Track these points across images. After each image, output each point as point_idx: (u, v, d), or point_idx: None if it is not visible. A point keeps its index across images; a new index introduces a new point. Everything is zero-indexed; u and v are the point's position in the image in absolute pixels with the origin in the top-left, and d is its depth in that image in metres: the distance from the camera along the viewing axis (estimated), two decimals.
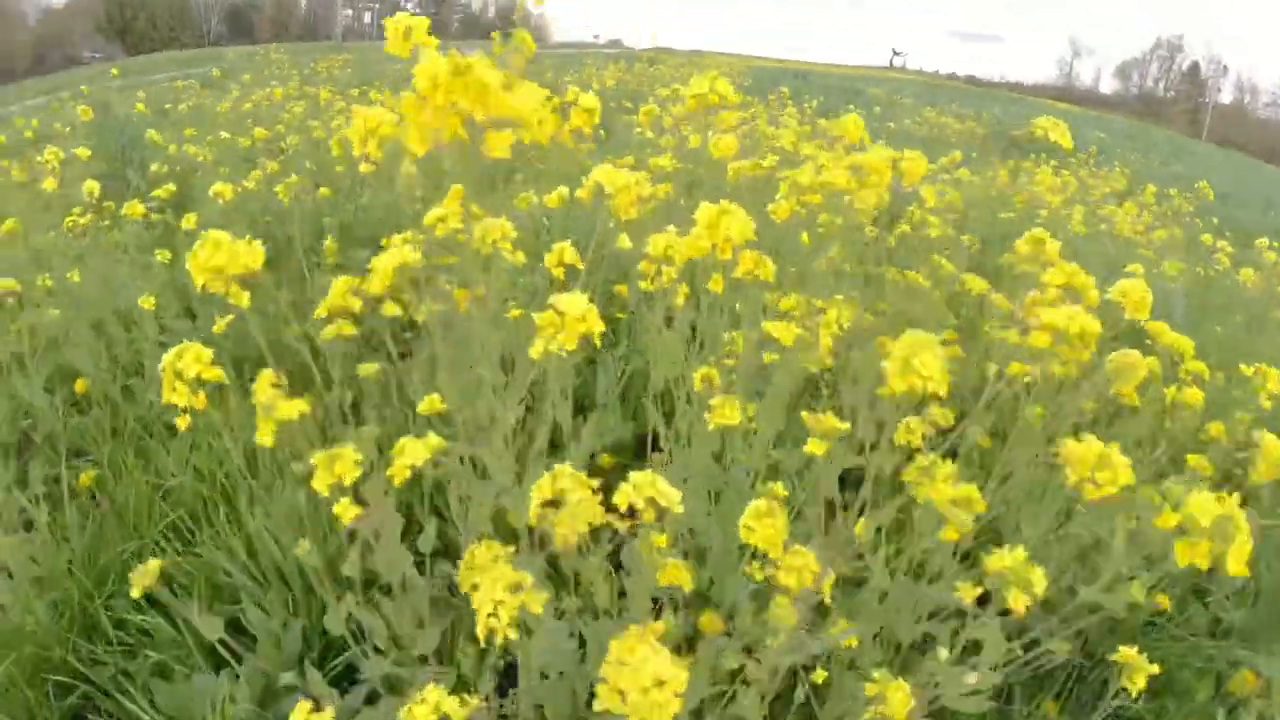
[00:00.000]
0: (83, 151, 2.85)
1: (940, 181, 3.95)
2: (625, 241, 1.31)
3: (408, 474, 0.91)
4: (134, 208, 2.43)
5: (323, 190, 3.82)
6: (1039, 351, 0.98)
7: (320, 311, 1.08)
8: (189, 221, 2.44)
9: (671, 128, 3.32)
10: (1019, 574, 0.89)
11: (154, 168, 2.84)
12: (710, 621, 1.59)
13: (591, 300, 0.85)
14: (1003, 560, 0.90)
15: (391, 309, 1.01)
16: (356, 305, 1.05)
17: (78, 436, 2.51)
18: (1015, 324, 1.76)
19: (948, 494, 0.94)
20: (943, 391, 0.81)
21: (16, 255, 2.85)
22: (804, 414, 1.05)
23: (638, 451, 2.46)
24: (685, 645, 1.55)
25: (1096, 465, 0.91)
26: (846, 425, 1.07)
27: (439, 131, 0.75)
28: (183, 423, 1.00)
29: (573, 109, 1.13)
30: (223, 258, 0.89)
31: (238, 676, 1.65)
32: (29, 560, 1.90)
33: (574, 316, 0.85)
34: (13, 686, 1.68)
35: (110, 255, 2.63)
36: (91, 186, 2.55)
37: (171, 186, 2.64)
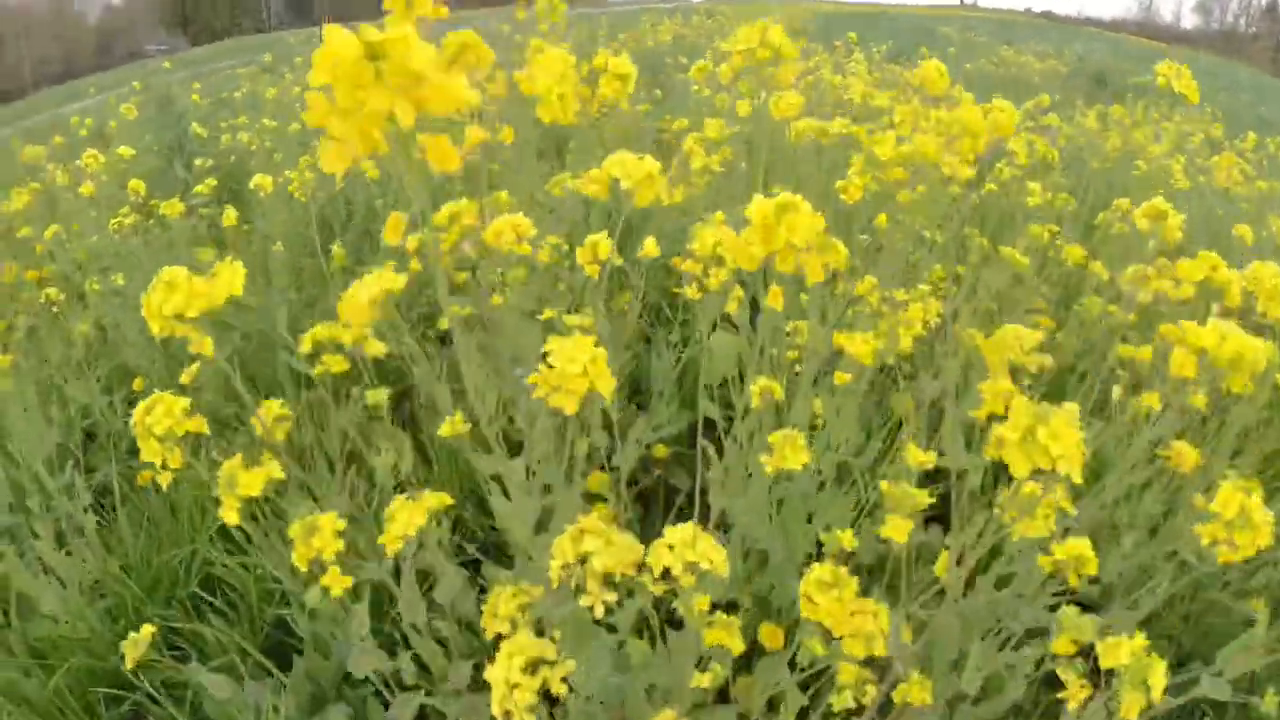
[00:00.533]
0: (125, 150, 2.82)
1: (1027, 128, 3.61)
2: (653, 248, 1.15)
3: (400, 545, 0.80)
4: (173, 206, 2.39)
5: (371, 173, 3.74)
6: (1179, 382, 0.79)
7: (305, 346, 0.96)
8: (229, 218, 2.38)
9: (729, 85, 3.08)
10: (1137, 672, 0.72)
11: (198, 162, 2.80)
12: (770, 634, 1.45)
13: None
14: (1118, 654, 0.73)
15: (375, 347, 0.88)
16: (347, 338, 0.92)
17: (135, 441, 2.51)
18: (1122, 301, 1.53)
19: (1056, 552, 0.77)
20: (1076, 476, 0.63)
21: (74, 255, 2.87)
22: (883, 485, 0.89)
23: (694, 440, 2.32)
24: (743, 663, 1.41)
25: (1236, 522, 0.73)
26: (932, 458, 0.90)
27: (366, 142, 0.52)
28: (165, 480, 0.90)
29: (602, 77, 0.97)
30: (180, 300, 0.76)
31: (283, 686, 1.61)
32: (81, 565, 1.89)
33: (573, 374, 0.66)
34: (60, 698, 1.67)
35: (159, 254, 2.60)
36: (136, 185, 2.52)
37: (213, 181, 2.59)
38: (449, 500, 0.83)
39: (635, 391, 2.59)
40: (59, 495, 1.89)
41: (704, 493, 1.31)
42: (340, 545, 0.79)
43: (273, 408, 0.95)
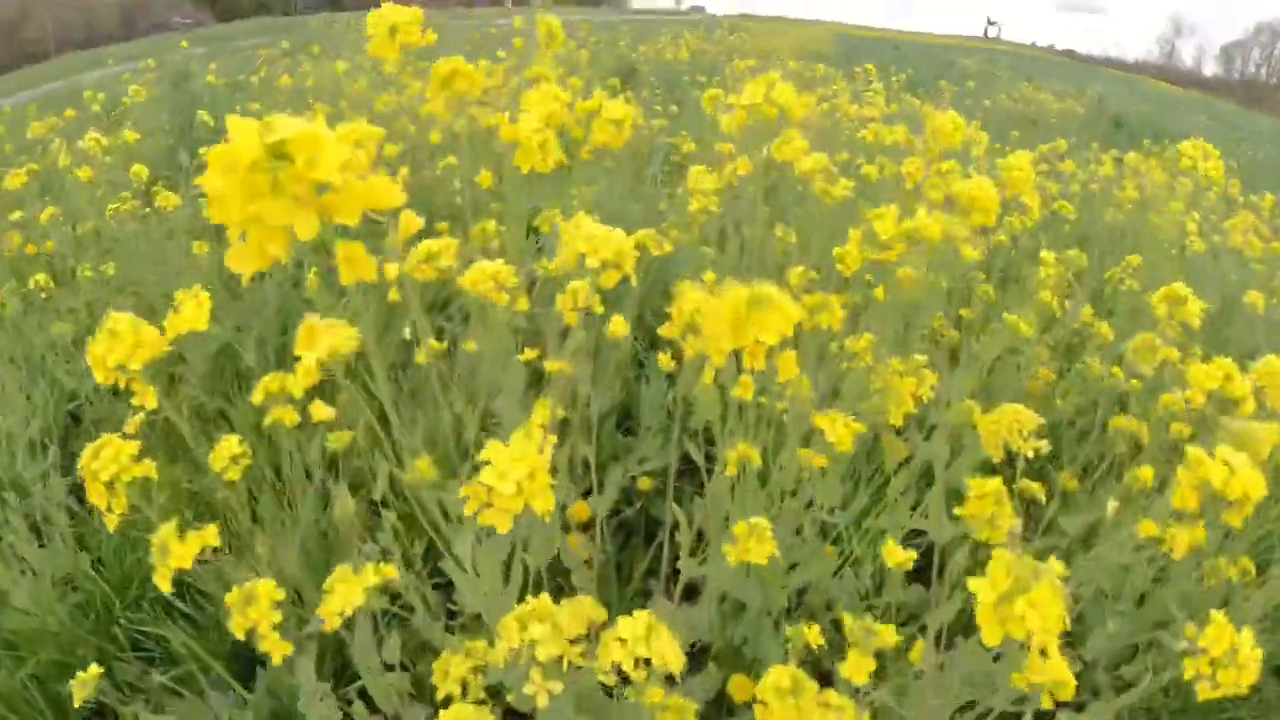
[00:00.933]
0: (130, 135, 2.80)
1: (1042, 172, 3.59)
2: (621, 327, 1.11)
3: (338, 621, 0.77)
4: (168, 199, 2.36)
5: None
6: (1184, 513, 0.76)
7: (257, 397, 0.93)
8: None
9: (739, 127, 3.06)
10: None
11: (201, 151, 2.78)
12: (740, 686, 1.42)
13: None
14: None
15: (321, 412, 0.86)
16: (298, 389, 0.90)
17: (120, 425, 2.49)
18: (1124, 365, 1.50)
19: (1036, 670, 0.73)
20: (1053, 650, 0.60)
21: (82, 238, 2.85)
22: (845, 617, 0.85)
23: (681, 471, 2.29)
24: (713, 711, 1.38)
25: (1222, 660, 0.70)
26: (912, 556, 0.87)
27: (262, 257, 0.44)
28: (111, 523, 0.87)
29: (595, 121, 0.94)
30: (122, 351, 0.72)
31: (244, 701, 1.58)
32: (54, 558, 1.87)
33: (506, 494, 0.60)
34: (28, 691, 1.65)
35: (158, 242, 2.57)
36: (139, 170, 2.50)
37: None
38: (393, 573, 0.80)
39: (626, 416, 2.56)
40: (35, 484, 1.87)
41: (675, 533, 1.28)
42: (278, 617, 0.76)
43: (230, 445, 0.92)
